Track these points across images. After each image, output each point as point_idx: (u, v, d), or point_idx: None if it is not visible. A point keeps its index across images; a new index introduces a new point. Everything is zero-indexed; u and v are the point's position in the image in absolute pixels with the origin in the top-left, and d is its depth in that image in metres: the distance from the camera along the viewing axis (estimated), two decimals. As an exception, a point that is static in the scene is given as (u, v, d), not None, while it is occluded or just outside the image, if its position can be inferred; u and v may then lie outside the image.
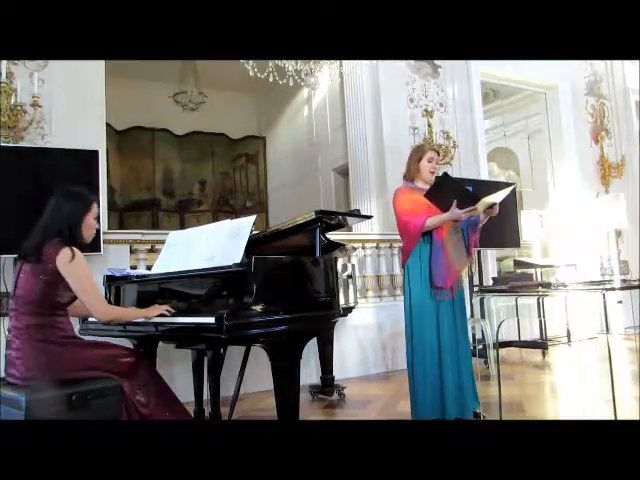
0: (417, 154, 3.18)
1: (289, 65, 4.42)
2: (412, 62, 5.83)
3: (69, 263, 2.08)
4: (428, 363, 2.94)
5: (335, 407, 3.67)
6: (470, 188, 2.92)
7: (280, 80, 4.46)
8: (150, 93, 8.90)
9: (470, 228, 3.06)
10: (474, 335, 4.46)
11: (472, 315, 4.47)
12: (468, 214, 2.87)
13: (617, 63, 7.39)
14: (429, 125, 5.73)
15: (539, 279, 5.35)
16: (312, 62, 4.51)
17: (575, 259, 6.14)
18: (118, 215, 9.10)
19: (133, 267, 3.76)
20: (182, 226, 8.96)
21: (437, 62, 6.00)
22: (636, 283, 2.60)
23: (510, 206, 4.83)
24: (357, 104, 5.96)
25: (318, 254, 2.66)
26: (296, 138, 9.15)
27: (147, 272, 3.02)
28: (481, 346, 4.62)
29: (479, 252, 4.90)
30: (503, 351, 4.87)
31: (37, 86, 3.73)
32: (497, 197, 2.86)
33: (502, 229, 4.77)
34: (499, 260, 6.68)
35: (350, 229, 5.50)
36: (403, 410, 3.29)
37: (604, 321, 2.39)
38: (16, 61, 3.75)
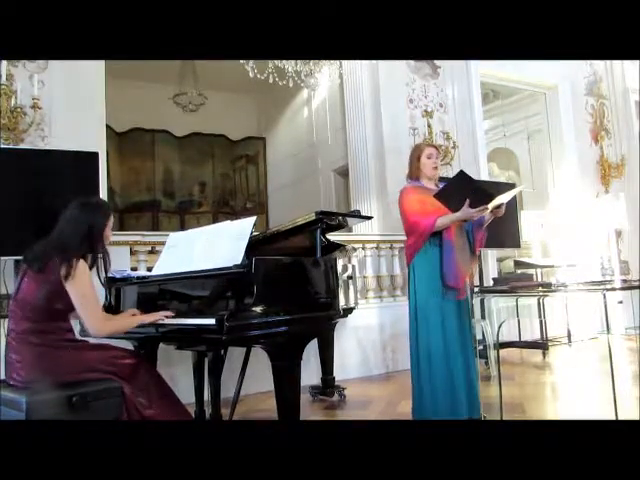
0: (415, 153, 3.18)
1: (289, 66, 4.43)
2: (412, 62, 5.83)
3: (71, 279, 2.06)
4: (434, 363, 2.94)
5: (336, 408, 3.67)
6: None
7: (280, 81, 4.47)
8: (150, 94, 8.90)
9: (475, 228, 3.05)
10: (474, 336, 4.46)
11: (472, 316, 4.46)
12: (479, 213, 2.86)
13: (617, 63, 7.39)
14: (429, 125, 5.73)
15: (539, 279, 5.35)
16: (312, 63, 4.52)
17: (575, 259, 6.14)
18: (118, 216, 9.10)
19: (133, 268, 3.76)
20: (182, 227, 8.96)
21: (437, 62, 6.00)
22: (636, 283, 2.60)
23: (510, 206, 4.82)
24: (357, 105, 5.96)
25: (318, 255, 2.66)
26: (296, 139, 9.15)
27: (147, 273, 3.03)
28: (481, 347, 4.61)
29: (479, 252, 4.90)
30: (504, 351, 4.87)
31: (37, 88, 3.73)
32: (505, 197, 2.86)
33: (502, 229, 4.76)
34: (499, 260, 6.67)
35: (350, 230, 5.50)
36: (404, 411, 3.28)
37: (605, 321, 2.38)
38: (16, 63, 3.75)
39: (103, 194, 3.71)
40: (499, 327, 3.17)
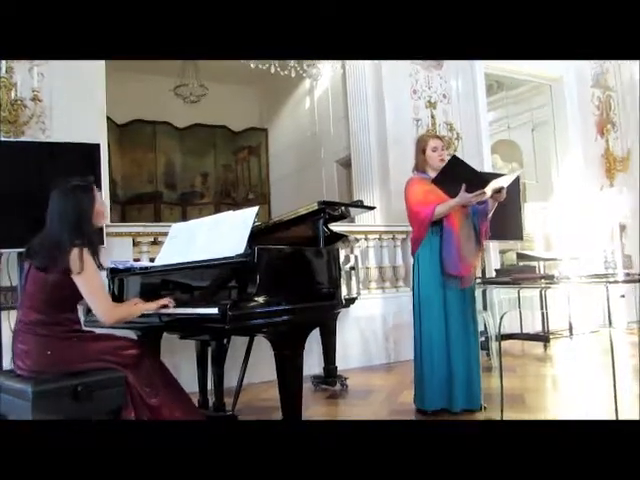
0: (420, 145, 3.18)
1: (292, 56, 4.41)
2: (415, 53, 5.79)
3: (78, 265, 2.06)
4: (436, 353, 2.96)
5: (337, 397, 3.69)
6: None
7: (282, 71, 4.45)
8: (151, 86, 8.86)
9: (480, 218, 3.06)
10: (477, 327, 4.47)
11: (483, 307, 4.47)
12: (477, 198, 2.86)
13: (623, 55, 7.31)
14: (432, 116, 5.71)
15: (542, 272, 5.34)
16: (315, 53, 4.49)
17: (578, 253, 6.13)
18: (120, 208, 9.11)
19: (136, 259, 3.77)
20: (184, 219, 8.95)
21: (440, 53, 5.96)
22: (639, 277, 2.59)
23: (513, 198, 4.82)
24: (360, 95, 5.93)
25: (321, 245, 2.66)
26: (298, 130, 9.12)
27: (150, 264, 3.03)
28: (483, 338, 4.62)
29: (482, 244, 4.89)
30: (505, 343, 4.87)
31: (37, 80, 3.71)
32: (504, 181, 2.86)
33: (505, 221, 4.75)
34: (502, 253, 6.66)
35: (353, 220, 5.50)
36: (405, 400, 3.30)
37: (607, 315, 2.38)
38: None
39: (105, 186, 3.71)
40: (501, 319, 3.17)
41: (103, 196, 3.48)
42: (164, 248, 2.91)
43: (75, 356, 2.10)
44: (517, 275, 2.88)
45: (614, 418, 2.20)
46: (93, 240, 2.18)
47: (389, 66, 5.66)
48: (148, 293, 2.66)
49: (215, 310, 2.02)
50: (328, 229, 3.18)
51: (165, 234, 3.08)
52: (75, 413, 2.02)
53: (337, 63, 5.00)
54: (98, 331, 2.38)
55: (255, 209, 2.44)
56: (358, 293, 3.75)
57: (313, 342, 3.91)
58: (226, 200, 10.17)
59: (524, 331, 5.52)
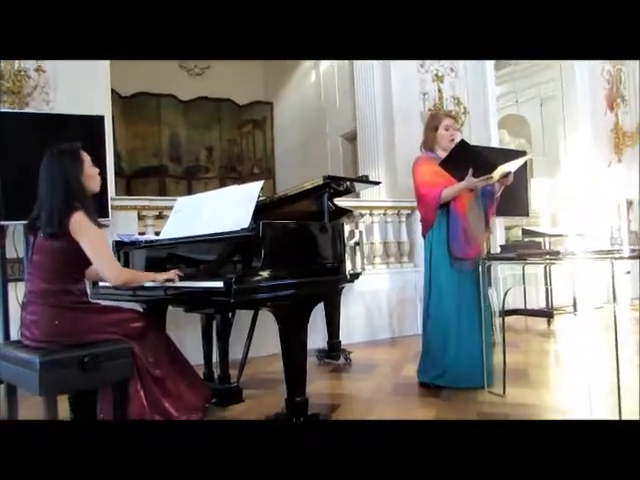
0: (432, 123, 3.14)
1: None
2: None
3: (81, 228, 2.08)
4: (441, 330, 2.99)
5: (341, 371, 3.73)
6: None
7: (288, 43, 4.38)
8: (155, 57, 8.75)
9: (487, 200, 3.06)
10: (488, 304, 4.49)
11: (490, 284, 4.48)
12: (483, 182, 2.85)
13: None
14: (439, 90, 5.63)
15: (547, 248, 5.33)
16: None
17: (584, 229, 6.10)
18: (125, 181, 9.10)
19: (141, 233, 3.78)
20: (189, 193, 8.93)
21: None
22: (645, 252, 2.58)
23: (520, 174, 4.77)
24: (366, 69, 5.85)
25: (326, 220, 2.66)
26: (304, 103, 9.03)
27: (156, 237, 3.04)
28: (488, 314, 4.64)
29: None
30: (509, 319, 4.88)
31: (41, 50, 3.67)
32: (512, 166, 2.84)
33: (511, 197, 4.71)
34: (507, 229, 6.64)
35: (358, 195, 5.48)
36: (409, 374, 3.33)
37: (612, 291, 2.38)
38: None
39: (110, 159, 3.70)
40: (505, 294, 3.18)
41: (108, 169, 3.50)
42: (169, 222, 2.92)
43: (82, 327, 2.12)
44: (522, 251, 2.87)
45: (617, 395, 2.22)
46: (86, 204, 2.16)
47: (396, 38, 5.55)
48: (153, 266, 2.68)
49: (220, 284, 2.04)
50: (333, 204, 3.17)
51: (170, 208, 3.09)
52: (82, 384, 2.05)
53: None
54: (104, 304, 2.40)
55: (260, 183, 2.43)
56: (362, 268, 3.75)
57: (317, 316, 3.93)
58: (231, 174, 10.14)
59: (528, 307, 5.54)
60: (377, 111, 5.72)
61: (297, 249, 2.28)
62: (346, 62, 7.12)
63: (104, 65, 4.13)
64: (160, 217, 3.97)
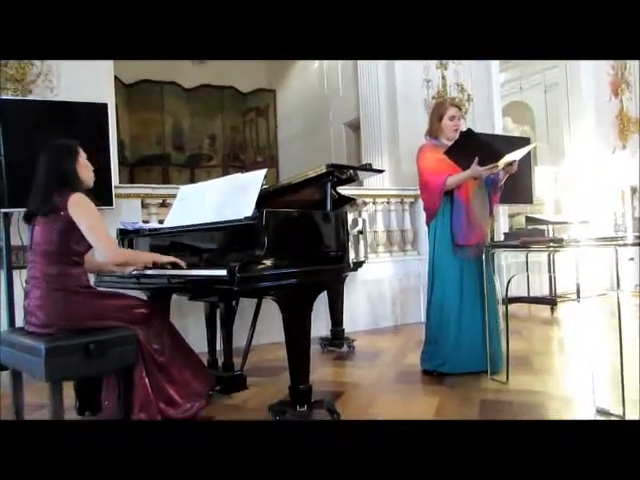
0: (437, 112, 3.13)
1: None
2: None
3: (78, 206, 2.12)
4: (445, 318, 3.00)
5: (345, 359, 3.75)
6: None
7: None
8: (158, 44, 8.70)
9: (491, 188, 3.06)
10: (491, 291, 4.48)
11: (493, 272, 4.48)
12: (489, 171, 2.85)
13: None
14: (443, 77, 5.59)
15: (551, 236, 5.32)
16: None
17: (588, 216, 6.08)
18: (129, 170, 9.10)
19: (145, 221, 3.79)
20: (192, 181, 8.94)
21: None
22: (649, 240, 2.57)
23: (524, 162, 4.75)
24: (369, 56, 5.80)
25: (329, 208, 2.65)
26: (307, 91, 8.99)
27: (159, 226, 3.05)
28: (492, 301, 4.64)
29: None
30: (512, 306, 4.89)
31: (44, 37, 3.66)
32: (517, 155, 2.83)
33: (515, 185, 4.70)
34: (511, 216, 6.63)
35: (361, 184, 5.46)
36: (411, 362, 3.35)
37: (615, 278, 2.38)
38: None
39: (113, 146, 3.70)
40: (508, 282, 3.18)
41: (111, 157, 3.50)
42: (173, 210, 2.92)
43: (86, 311, 2.14)
44: (526, 238, 2.87)
45: (620, 382, 2.23)
46: (79, 188, 2.21)
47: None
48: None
49: (224, 272, 2.04)
50: (336, 192, 3.17)
51: (173, 196, 3.09)
52: (87, 370, 2.07)
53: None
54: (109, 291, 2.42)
55: (263, 172, 2.42)
56: (366, 257, 3.76)
57: (321, 305, 3.95)
58: (234, 163, 10.13)
59: (531, 295, 5.54)
60: (380, 99, 5.69)
61: (300, 237, 2.28)
62: (349, 49, 7.06)
63: (106, 53, 4.11)
64: (164, 205, 3.97)
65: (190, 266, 2.39)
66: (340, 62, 7.67)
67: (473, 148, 2.81)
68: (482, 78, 5.89)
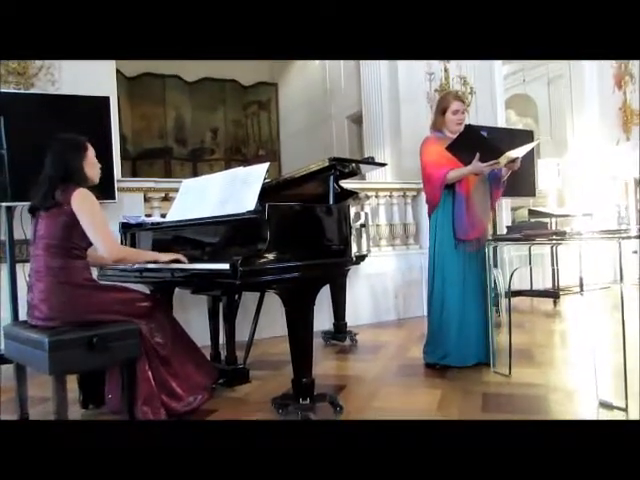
0: (441, 106, 3.12)
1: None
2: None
3: (82, 202, 2.13)
4: (446, 310, 3.01)
5: (347, 352, 3.76)
6: (485, 133, 2.88)
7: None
8: (160, 38, 8.67)
9: (493, 183, 3.05)
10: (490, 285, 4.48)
11: (495, 265, 4.47)
12: (490, 168, 2.85)
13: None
14: (445, 70, 5.56)
15: (554, 229, 5.31)
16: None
17: (591, 209, 6.07)
18: (131, 163, 9.10)
19: (147, 215, 3.79)
20: (195, 175, 8.93)
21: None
22: (653, 232, 2.56)
23: (527, 155, 4.72)
24: (372, 48, 5.77)
25: (331, 202, 2.65)
26: (309, 84, 8.96)
27: (162, 220, 3.05)
28: (493, 294, 4.64)
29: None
30: (515, 300, 4.89)
31: (45, 30, 3.65)
32: (520, 152, 2.82)
33: (518, 178, 4.66)
34: (514, 209, 6.61)
35: (363, 177, 5.45)
36: (414, 355, 3.35)
37: (618, 270, 2.37)
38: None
39: (115, 139, 3.69)
40: (511, 275, 3.18)
41: (114, 151, 3.50)
42: (175, 204, 2.92)
43: (90, 305, 2.14)
44: (528, 232, 2.87)
45: (623, 374, 2.23)
46: (84, 183, 2.23)
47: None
48: (160, 248, 2.68)
49: (226, 266, 2.04)
50: (339, 186, 3.16)
51: (176, 190, 3.08)
52: (91, 364, 2.08)
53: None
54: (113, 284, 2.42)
55: (265, 165, 2.42)
56: (368, 250, 3.76)
57: (323, 298, 3.95)
58: (236, 156, 10.12)
59: (534, 288, 5.53)
60: (383, 92, 5.67)
61: (303, 231, 2.28)
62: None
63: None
64: (166, 199, 3.97)
65: (193, 260, 2.39)
66: (342, 55, 7.64)
67: (474, 144, 2.81)
68: (485, 71, 5.86)
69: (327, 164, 2.77)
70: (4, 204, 3.17)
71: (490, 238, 3.07)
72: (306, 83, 9.07)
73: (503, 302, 4.44)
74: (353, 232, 2.52)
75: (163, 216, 3.33)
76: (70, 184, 2.16)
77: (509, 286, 3.09)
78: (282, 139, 10.17)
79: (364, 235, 3.68)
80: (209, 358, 2.93)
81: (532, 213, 5.63)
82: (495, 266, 4.60)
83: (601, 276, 5.30)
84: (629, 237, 2.33)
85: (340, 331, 3.99)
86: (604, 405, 2.30)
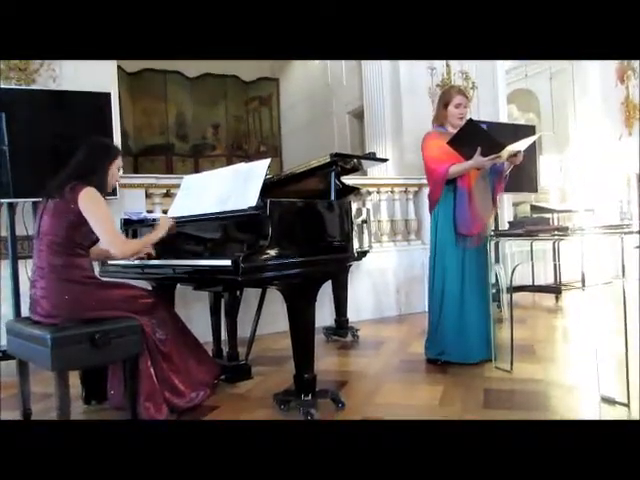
0: (443, 99, 3.11)
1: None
2: None
3: (89, 201, 2.13)
4: (447, 306, 3.01)
5: (349, 348, 3.76)
6: (484, 126, 2.88)
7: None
8: (160, 33, 8.65)
9: (495, 178, 3.04)
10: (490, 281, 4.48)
11: (496, 261, 4.47)
12: (492, 162, 2.84)
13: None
14: (447, 65, 5.54)
15: (556, 224, 5.30)
16: None
17: (594, 204, 6.05)
18: (132, 160, 9.09)
19: (149, 211, 3.79)
20: (196, 171, 8.92)
21: None
22: (655, 228, 2.56)
23: (529, 150, 4.71)
24: (373, 43, 5.75)
25: (333, 198, 2.65)
26: (310, 80, 8.94)
27: (163, 216, 3.04)
28: (494, 290, 4.64)
29: (495, 196, 4.84)
30: (517, 295, 4.89)
31: (46, 26, 3.64)
32: (522, 145, 2.81)
33: (520, 173, 4.66)
34: (515, 205, 6.60)
35: (365, 173, 5.45)
36: (416, 351, 3.35)
37: (621, 266, 2.37)
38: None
39: (117, 135, 3.69)
40: (513, 271, 3.17)
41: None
42: (177, 200, 2.92)
43: (92, 302, 2.15)
44: (530, 227, 2.86)
45: (624, 370, 2.23)
46: (100, 186, 2.24)
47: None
48: (161, 244, 2.68)
49: (228, 262, 2.04)
50: (340, 182, 3.16)
51: (177, 186, 3.08)
52: (93, 360, 2.09)
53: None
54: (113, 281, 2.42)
55: (267, 161, 2.42)
56: (370, 246, 3.75)
57: (325, 294, 3.95)
58: (238, 152, 10.11)
59: (536, 283, 5.53)
60: (384, 87, 5.65)
61: (304, 227, 2.28)
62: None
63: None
64: (167, 195, 3.97)
65: (194, 256, 2.40)
66: (343, 50, 7.62)
67: (475, 139, 2.80)
68: (487, 65, 5.83)
69: (328, 160, 2.76)
70: (6, 200, 3.17)
71: (492, 233, 3.06)
72: (307, 79, 9.05)
73: (505, 297, 4.46)
74: (355, 228, 2.52)
75: (164, 212, 3.33)
76: (81, 183, 2.16)
77: (511, 281, 3.09)
78: (283, 135, 10.16)
79: (366, 231, 3.67)
80: (211, 354, 2.94)
81: (534, 209, 5.62)
82: (497, 261, 4.61)
83: (603, 272, 5.29)
84: (631, 232, 2.33)
85: (342, 327, 3.99)
86: (606, 400, 2.30)
